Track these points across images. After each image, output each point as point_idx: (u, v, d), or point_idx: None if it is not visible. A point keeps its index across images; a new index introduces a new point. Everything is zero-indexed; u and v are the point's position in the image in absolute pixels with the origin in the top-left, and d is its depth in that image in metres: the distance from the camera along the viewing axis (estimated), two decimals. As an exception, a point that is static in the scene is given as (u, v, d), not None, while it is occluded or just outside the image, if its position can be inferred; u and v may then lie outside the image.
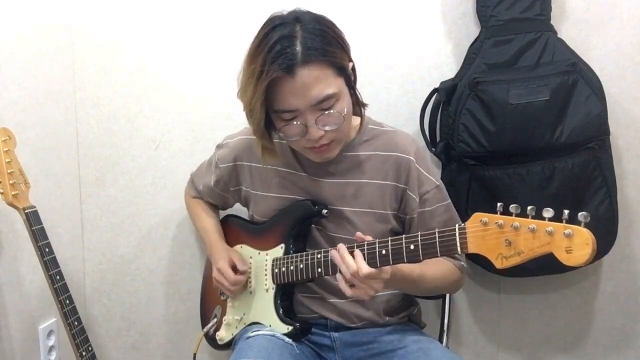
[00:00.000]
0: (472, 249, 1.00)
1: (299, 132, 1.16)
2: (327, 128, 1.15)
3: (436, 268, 1.23)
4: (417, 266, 1.17)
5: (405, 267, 1.14)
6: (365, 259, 1.09)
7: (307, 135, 1.15)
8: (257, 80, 1.10)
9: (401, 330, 1.32)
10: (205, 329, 1.41)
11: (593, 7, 1.54)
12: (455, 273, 1.29)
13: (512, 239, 0.94)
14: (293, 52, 1.09)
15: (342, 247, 1.12)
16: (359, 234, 1.14)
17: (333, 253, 1.13)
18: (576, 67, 1.41)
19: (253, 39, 1.15)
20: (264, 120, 1.15)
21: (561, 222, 0.90)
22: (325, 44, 1.11)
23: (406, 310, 1.38)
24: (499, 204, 0.96)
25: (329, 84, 1.12)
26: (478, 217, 0.99)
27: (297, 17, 1.13)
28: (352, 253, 1.11)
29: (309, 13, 1.15)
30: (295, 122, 1.14)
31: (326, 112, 1.13)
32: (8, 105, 1.46)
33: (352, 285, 1.10)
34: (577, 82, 1.41)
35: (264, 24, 1.15)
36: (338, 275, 1.12)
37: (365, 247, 1.12)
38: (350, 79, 1.18)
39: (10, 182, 1.29)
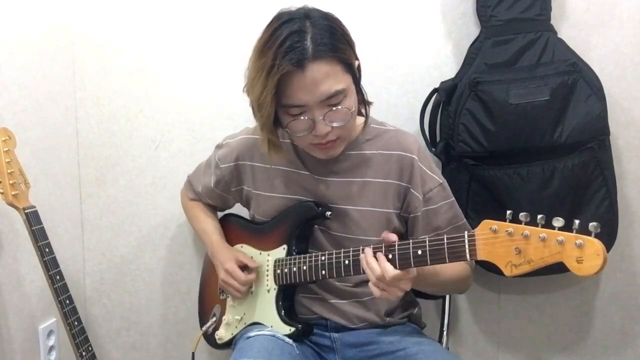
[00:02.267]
0: (481, 256, 1.00)
1: (306, 127, 1.15)
2: (334, 124, 1.15)
3: (453, 265, 1.22)
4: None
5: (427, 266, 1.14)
6: None
7: (314, 131, 1.15)
8: (267, 75, 1.10)
9: (401, 331, 1.32)
10: (204, 328, 1.41)
11: (593, 7, 1.54)
12: (467, 270, 1.29)
13: (522, 248, 0.94)
14: (304, 47, 1.09)
15: (367, 251, 1.12)
16: (385, 233, 1.12)
17: (361, 257, 1.13)
18: (576, 67, 1.41)
19: (261, 34, 1.15)
20: (273, 114, 1.15)
21: (571, 231, 0.90)
22: (334, 40, 1.12)
23: (406, 310, 1.38)
24: (508, 212, 0.96)
25: (338, 80, 1.12)
26: (487, 225, 0.99)
27: (307, 14, 1.13)
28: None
29: (317, 10, 1.16)
30: (302, 118, 1.14)
31: (334, 108, 1.14)
32: (8, 105, 1.46)
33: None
34: (577, 82, 1.41)
35: (273, 20, 1.15)
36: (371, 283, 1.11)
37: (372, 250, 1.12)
38: (356, 77, 1.19)
39: (10, 182, 1.29)
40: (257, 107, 1.15)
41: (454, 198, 1.31)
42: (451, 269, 1.22)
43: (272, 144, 1.23)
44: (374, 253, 1.10)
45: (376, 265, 1.08)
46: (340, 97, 1.14)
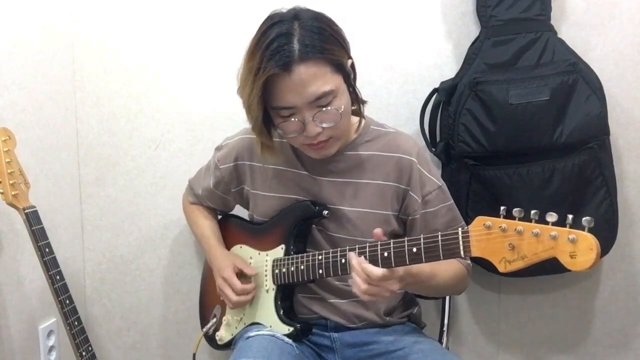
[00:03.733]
0: (475, 252, 1.00)
1: (297, 128, 1.16)
2: (324, 125, 1.15)
3: (446, 266, 1.22)
4: (427, 265, 1.16)
5: (414, 267, 1.13)
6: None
7: (305, 132, 1.16)
8: (254, 77, 1.10)
9: (401, 330, 1.32)
10: (204, 329, 1.41)
11: (593, 8, 1.54)
12: (463, 272, 1.28)
13: (515, 243, 0.94)
14: (290, 49, 1.09)
15: (352, 257, 1.10)
16: (376, 230, 1.11)
17: (349, 258, 1.12)
18: (576, 67, 1.42)
19: (253, 36, 1.15)
20: (261, 116, 1.15)
21: (565, 226, 0.90)
22: (323, 41, 1.12)
23: (406, 310, 1.38)
24: (502, 208, 0.96)
25: (326, 81, 1.12)
26: (481, 221, 0.98)
27: (296, 15, 1.13)
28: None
29: (307, 10, 1.16)
30: (292, 119, 1.15)
31: (323, 109, 1.14)
32: (8, 105, 1.46)
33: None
34: (577, 82, 1.41)
35: (263, 22, 1.15)
36: (351, 280, 1.11)
37: (367, 249, 1.11)
38: (349, 76, 1.18)
39: (10, 182, 1.29)
40: (247, 109, 1.16)
41: (452, 201, 1.31)
42: (447, 272, 1.22)
43: (265, 146, 1.23)
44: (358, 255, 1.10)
45: (359, 268, 1.07)
46: (329, 98, 1.13)
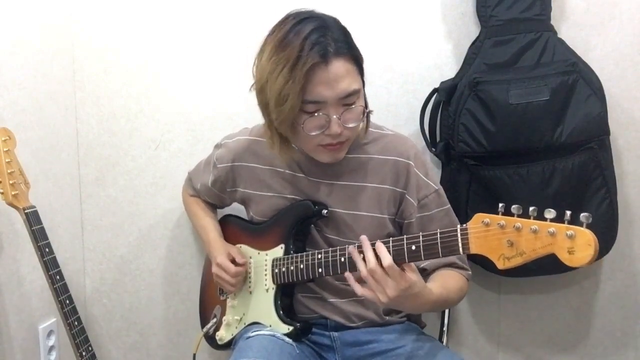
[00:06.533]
0: (474, 249, 0.99)
1: (321, 125, 1.14)
2: (349, 125, 1.15)
3: (454, 287, 1.22)
4: (442, 289, 1.15)
5: (435, 292, 1.10)
6: None
7: (327, 130, 1.15)
8: (292, 67, 1.08)
9: (401, 330, 1.32)
10: (205, 329, 1.41)
11: (593, 8, 1.54)
12: (466, 285, 1.28)
13: (514, 240, 0.94)
14: (327, 42, 1.10)
15: (365, 240, 1.08)
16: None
17: (351, 249, 1.10)
18: (576, 67, 1.42)
19: (273, 32, 1.14)
20: (298, 106, 1.11)
21: (563, 222, 0.90)
22: (350, 40, 1.15)
23: (406, 310, 1.37)
24: (500, 205, 0.96)
25: (354, 79, 1.14)
26: (480, 218, 0.98)
27: (320, 15, 1.15)
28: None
29: (325, 15, 1.16)
30: (317, 114, 1.13)
31: (348, 108, 1.14)
32: (8, 105, 1.46)
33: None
34: (577, 82, 1.41)
35: (287, 18, 1.14)
36: (347, 272, 1.11)
37: None
38: (364, 80, 1.20)
39: (10, 182, 1.29)
40: (278, 102, 1.11)
41: (449, 205, 1.31)
42: (455, 285, 1.22)
43: (284, 141, 1.21)
44: (372, 244, 1.07)
45: (372, 258, 1.05)
46: (355, 97, 1.14)
